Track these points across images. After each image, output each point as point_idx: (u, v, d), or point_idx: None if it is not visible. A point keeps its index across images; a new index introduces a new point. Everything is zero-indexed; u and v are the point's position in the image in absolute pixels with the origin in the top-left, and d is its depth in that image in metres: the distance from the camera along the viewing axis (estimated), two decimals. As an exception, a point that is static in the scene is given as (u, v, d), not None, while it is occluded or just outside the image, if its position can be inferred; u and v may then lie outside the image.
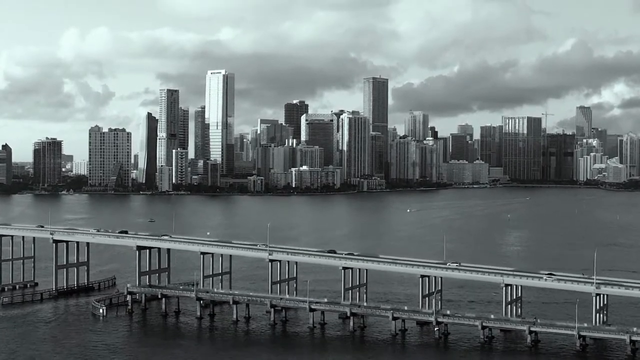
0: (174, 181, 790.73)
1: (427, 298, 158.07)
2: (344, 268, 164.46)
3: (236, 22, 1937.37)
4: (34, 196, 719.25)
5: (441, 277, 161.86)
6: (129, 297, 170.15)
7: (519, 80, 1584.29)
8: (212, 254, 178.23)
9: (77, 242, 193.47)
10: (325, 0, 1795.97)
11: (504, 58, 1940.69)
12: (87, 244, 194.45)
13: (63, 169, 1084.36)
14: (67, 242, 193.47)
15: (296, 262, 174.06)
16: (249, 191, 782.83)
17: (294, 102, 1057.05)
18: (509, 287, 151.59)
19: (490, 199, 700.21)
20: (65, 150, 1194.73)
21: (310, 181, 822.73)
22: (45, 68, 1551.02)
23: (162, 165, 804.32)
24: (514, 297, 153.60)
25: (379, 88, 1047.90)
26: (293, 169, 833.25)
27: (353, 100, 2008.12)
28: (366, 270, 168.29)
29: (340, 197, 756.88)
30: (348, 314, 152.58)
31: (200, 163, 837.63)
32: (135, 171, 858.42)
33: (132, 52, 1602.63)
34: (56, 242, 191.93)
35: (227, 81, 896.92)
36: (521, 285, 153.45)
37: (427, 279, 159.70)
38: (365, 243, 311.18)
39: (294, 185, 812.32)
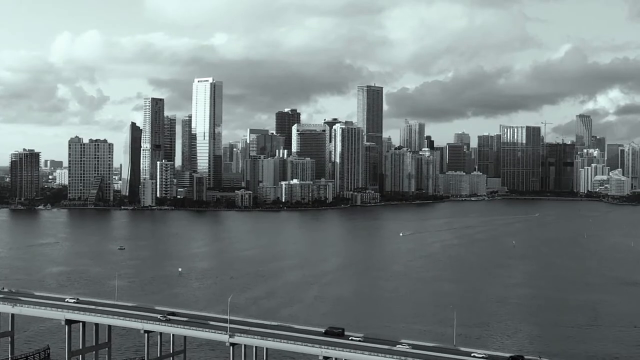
0: (158, 195, 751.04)
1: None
2: (325, 358, 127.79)
3: (228, 28, 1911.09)
4: (10, 211, 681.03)
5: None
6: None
7: (514, 87, 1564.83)
8: (160, 332, 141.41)
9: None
10: (318, 7, 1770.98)
11: (499, 65, 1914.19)
12: (12, 315, 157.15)
13: (50, 177, 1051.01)
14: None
15: (265, 348, 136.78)
16: (237, 206, 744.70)
17: (286, 110, 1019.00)
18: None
19: (490, 215, 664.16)
20: (56, 156, 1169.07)
21: (301, 195, 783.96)
22: (36, 73, 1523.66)
23: (145, 178, 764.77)
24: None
25: (374, 96, 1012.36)
26: (283, 183, 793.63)
27: (348, 106, 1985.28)
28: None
29: (332, 213, 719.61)
30: None
31: (187, 175, 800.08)
32: (119, 182, 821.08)
33: (124, 58, 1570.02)
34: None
35: (215, 89, 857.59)
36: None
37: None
38: (352, 285, 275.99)
39: (283, 200, 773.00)
